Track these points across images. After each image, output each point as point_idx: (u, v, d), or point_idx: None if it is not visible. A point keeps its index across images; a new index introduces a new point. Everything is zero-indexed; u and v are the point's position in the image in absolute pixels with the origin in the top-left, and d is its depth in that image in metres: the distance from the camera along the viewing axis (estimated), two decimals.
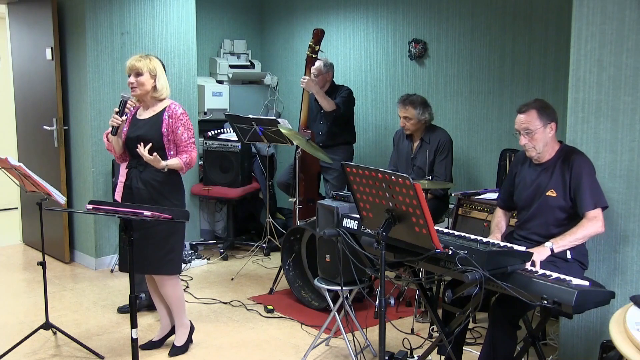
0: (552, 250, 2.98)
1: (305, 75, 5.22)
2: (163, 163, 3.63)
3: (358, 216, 2.99)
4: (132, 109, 3.84)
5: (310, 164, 5.27)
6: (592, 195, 3.03)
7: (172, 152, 3.71)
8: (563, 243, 3.00)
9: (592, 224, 3.01)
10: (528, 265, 2.77)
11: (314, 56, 5.14)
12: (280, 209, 6.73)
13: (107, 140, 3.91)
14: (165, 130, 3.67)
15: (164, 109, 3.71)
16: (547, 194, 3.14)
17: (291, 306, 4.66)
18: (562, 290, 2.50)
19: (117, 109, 3.70)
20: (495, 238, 3.28)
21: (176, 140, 3.71)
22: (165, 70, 3.84)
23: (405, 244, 2.77)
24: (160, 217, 2.98)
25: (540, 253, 2.94)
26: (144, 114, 3.76)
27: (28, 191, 3.97)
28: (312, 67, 5.25)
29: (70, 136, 5.71)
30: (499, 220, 3.44)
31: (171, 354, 3.84)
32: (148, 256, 3.66)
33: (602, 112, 3.25)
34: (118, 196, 4.19)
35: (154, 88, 3.69)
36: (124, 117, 3.72)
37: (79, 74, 5.49)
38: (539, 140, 3.13)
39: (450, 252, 2.59)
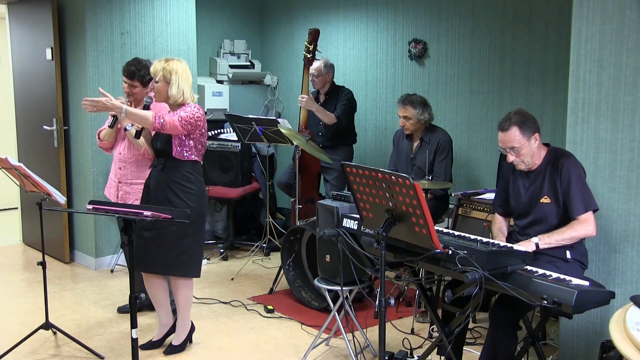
0: (537, 245, 3.02)
1: (304, 75, 5.21)
2: (118, 103, 3.56)
3: (358, 216, 2.99)
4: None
5: (310, 164, 5.27)
6: (583, 199, 3.04)
7: (188, 153, 3.66)
8: (549, 241, 3.04)
9: (582, 227, 3.02)
10: None
11: (309, 56, 5.14)
12: (280, 209, 6.73)
13: (99, 138, 4.12)
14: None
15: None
16: (541, 201, 3.15)
17: (291, 306, 4.66)
18: (562, 290, 2.50)
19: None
20: None
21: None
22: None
23: (405, 244, 2.77)
24: (160, 217, 2.97)
25: (527, 247, 2.97)
26: None
27: (28, 191, 3.98)
28: (312, 68, 5.23)
29: (70, 136, 5.72)
30: (501, 225, 3.44)
31: (166, 353, 3.84)
32: (159, 256, 3.68)
33: (602, 112, 3.25)
34: (107, 192, 4.29)
35: (169, 94, 3.65)
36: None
37: (79, 74, 5.49)
38: (526, 155, 3.13)
39: (450, 252, 2.60)
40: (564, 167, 3.08)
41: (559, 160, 3.12)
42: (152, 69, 3.69)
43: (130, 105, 3.96)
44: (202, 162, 3.86)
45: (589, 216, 3.04)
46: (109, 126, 4.00)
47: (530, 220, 3.21)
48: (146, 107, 3.75)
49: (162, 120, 3.52)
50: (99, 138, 4.20)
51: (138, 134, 3.74)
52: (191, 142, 3.66)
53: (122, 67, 4.22)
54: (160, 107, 3.82)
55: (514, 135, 3.09)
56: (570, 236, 3.03)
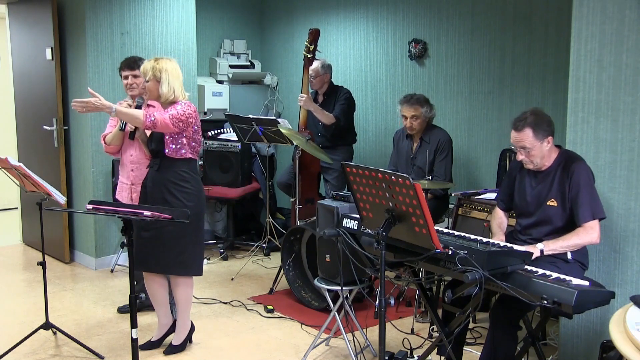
0: (542, 252, 3.00)
1: (303, 75, 5.21)
2: (107, 103, 3.53)
3: (358, 216, 2.99)
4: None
5: (310, 164, 5.27)
6: (590, 206, 3.03)
7: (182, 151, 3.66)
8: (554, 247, 3.02)
9: (587, 234, 3.02)
10: None
11: (309, 56, 5.14)
12: (280, 209, 6.74)
13: (105, 142, 4.07)
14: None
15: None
16: (547, 203, 3.14)
17: (291, 306, 4.66)
18: (562, 290, 2.50)
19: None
20: (500, 240, 3.27)
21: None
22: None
23: (405, 244, 2.77)
24: (160, 217, 2.97)
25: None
26: None
27: (28, 191, 3.97)
28: (310, 68, 5.24)
29: (70, 136, 5.72)
30: (500, 221, 3.44)
31: (166, 353, 3.84)
32: (159, 256, 3.68)
33: (602, 112, 3.25)
34: (119, 195, 4.24)
35: (160, 93, 3.65)
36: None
37: (79, 74, 5.50)
38: (536, 156, 3.13)
39: (450, 252, 2.59)
40: (575, 173, 3.06)
41: (570, 165, 3.10)
42: (142, 69, 3.69)
43: (134, 101, 3.96)
44: (200, 161, 3.84)
45: (594, 224, 3.02)
46: (119, 129, 3.89)
47: (534, 221, 3.20)
48: (138, 108, 3.73)
49: (152, 118, 3.52)
50: (104, 143, 4.11)
51: (132, 135, 3.73)
52: (184, 139, 3.66)
53: (119, 66, 4.20)
54: (159, 106, 3.83)
55: (527, 136, 3.08)
56: (575, 243, 3.03)
